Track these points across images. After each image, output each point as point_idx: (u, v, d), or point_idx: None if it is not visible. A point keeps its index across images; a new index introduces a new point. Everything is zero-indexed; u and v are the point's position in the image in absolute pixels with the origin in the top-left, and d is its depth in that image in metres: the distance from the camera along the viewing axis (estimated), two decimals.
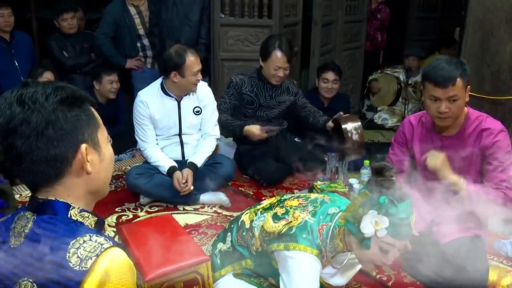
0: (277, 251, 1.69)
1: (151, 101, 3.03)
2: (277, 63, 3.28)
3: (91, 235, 0.96)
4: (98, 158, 1.05)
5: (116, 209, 3.02)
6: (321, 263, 1.68)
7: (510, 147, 2.21)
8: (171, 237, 1.95)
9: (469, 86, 2.21)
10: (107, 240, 0.96)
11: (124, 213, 3.00)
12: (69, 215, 1.01)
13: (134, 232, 2.00)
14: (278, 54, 3.27)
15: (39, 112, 0.96)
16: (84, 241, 0.95)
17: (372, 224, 1.52)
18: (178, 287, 1.76)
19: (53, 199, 1.01)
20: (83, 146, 1.01)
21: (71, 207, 1.02)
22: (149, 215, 2.92)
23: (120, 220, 2.89)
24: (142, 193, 3.11)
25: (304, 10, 4.51)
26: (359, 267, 2.01)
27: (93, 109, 1.06)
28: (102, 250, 0.93)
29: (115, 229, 2.71)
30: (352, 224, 1.56)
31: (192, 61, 2.93)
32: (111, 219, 2.89)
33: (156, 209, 3.07)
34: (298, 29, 4.46)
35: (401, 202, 1.52)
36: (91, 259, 0.92)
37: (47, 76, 3.62)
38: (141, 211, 3.04)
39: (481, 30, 3.00)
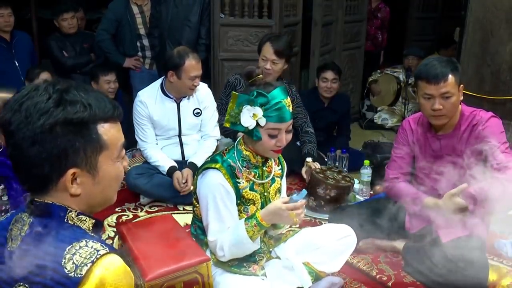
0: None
1: (150, 102, 3.03)
2: (265, 53, 3.23)
3: (88, 240, 0.95)
4: (91, 181, 1.00)
5: (116, 209, 3.02)
6: (233, 171, 1.84)
7: (502, 129, 2.22)
8: (171, 237, 1.95)
9: (462, 85, 2.22)
10: (103, 246, 0.95)
11: (124, 213, 3.00)
12: (66, 219, 1.00)
13: (134, 232, 2.00)
14: (267, 45, 3.23)
15: (28, 129, 0.93)
16: (80, 247, 0.93)
17: (250, 116, 1.74)
18: (178, 287, 1.76)
19: (50, 202, 0.99)
20: (70, 171, 0.97)
21: (68, 210, 1.00)
22: (149, 215, 2.92)
23: (120, 220, 2.89)
24: (142, 193, 3.11)
25: (304, 10, 4.51)
26: (350, 251, 2.10)
27: (102, 130, 0.98)
28: (97, 256, 0.92)
29: (115, 229, 2.71)
30: (235, 123, 1.78)
31: (192, 65, 2.91)
32: (111, 219, 2.89)
33: (156, 209, 3.07)
34: (298, 29, 4.46)
35: (271, 92, 1.74)
36: (86, 266, 0.91)
37: (44, 76, 3.54)
38: (141, 211, 3.04)
39: (481, 30, 3.00)
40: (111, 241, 2.62)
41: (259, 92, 1.75)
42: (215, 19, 4.02)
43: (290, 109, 1.79)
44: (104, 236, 2.68)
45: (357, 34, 5.06)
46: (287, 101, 1.78)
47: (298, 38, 4.47)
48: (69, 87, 0.98)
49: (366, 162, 3.28)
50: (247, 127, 1.75)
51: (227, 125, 1.82)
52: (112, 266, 0.93)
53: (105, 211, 2.94)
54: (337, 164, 3.43)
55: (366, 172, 3.22)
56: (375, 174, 3.21)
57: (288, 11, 4.29)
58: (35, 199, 1.01)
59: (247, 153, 1.87)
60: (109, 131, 1.00)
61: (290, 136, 1.84)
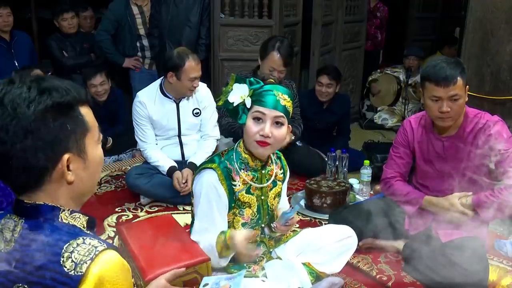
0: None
1: (149, 102, 3.03)
2: (273, 64, 3.22)
3: (84, 237, 0.95)
4: (82, 166, 1.00)
5: (116, 209, 3.01)
6: (229, 174, 1.82)
7: (509, 134, 2.20)
8: (171, 237, 1.94)
9: (468, 86, 2.22)
10: (101, 243, 0.95)
11: (124, 213, 3.00)
12: (60, 219, 0.99)
13: (134, 232, 1.99)
14: (275, 55, 3.20)
15: (19, 120, 0.91)
16: (77, 244, 0.93)
17: (238, 95, 1.75)
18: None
19: (42, 203, 0.98)
20: (65, 156, 0.96)
21: (61, 210, 0.99)
22: (149, 215, 2.91)
23: (120, 220, 2.89)
24: (142, 193, 3.11)
25: (304, 10, 4.51)
26: (351, 252, 2.10)
27: (83, 112, 1.00)
28: (96, 253, 0.92)
29: (115, 229, 2.71)
30: (226, 101, 1.78)
31: (192, 66, 2.91)
32: (111, 219, 2.89)
33: (156, 209, 3.06)
34: (298, 29, 4.46)
35: (269, 85, 1.77)
36: (86, 263, 0.91)
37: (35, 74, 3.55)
38: (141, 211, 3.03)
39: (481, 30, 2.99)
40: (111, 241, 2.62)
41: (257, 80, 1.77)
42: (215, 19, 4.03)
43: (282, 103, 1.75)
44: (104, 236, 2.68)
45: (357, 34, 5.06)
46: (282, 95, 1.76)
47: (298, 38, 4.47)
48: (41, 77, 0.99)
49: (366, 162, 3.28)
50: (233, 103, 1.76)
51: (220, 103, 1.82)
52: (110, 263, 0.93)
53: (105, 211, 2.94)
54: (337, 164, 3.43)
55: (366, 172, 3.22)
56: (375, 174, 3.22)
57: (288, 11, 4.30)
58: (25, 200, 0.99)
59: (246, 155, 1.85)
60: (88, 113, 1.02)
61: (279, 132, 1.77)
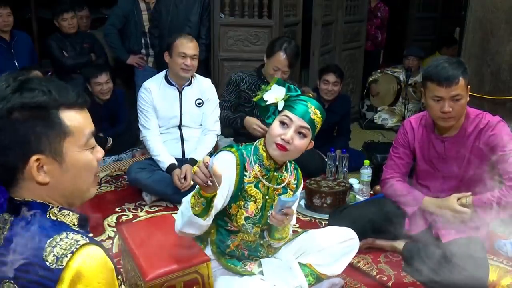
0: None
1: (154, 88, 3.10)
2: (278, 64, 3.25)
3: (68, 232, 0.95)
4: (58, 169, 0.99)
5: (116, 209, 3.01)
6: (244, 162, 1.83)
7: (510, 135, 2.19)
8: (171, 237, 1.94)
9: (469, 86, 2.21)
10: (83, 237, 0.94)
11: (124, 213, 3.00)
12: (48, 215, 0.99)
13: (134, 232, 1.99)
14: (281, 55, 3.23)
15: None
16: (60, 239, 0.93)
17: (273, 96, 1.80)
18: (178, 287, 1.76)
19: (30, 200, 0.99)
20: (34, 158, 0.95)
21: (50, 207, 1.00)
22: (149, 215, 2.92)
23: (120, 220, 2.89)
24: (143, 187, 3.11)
25: (304, 10, 4.51)
26: (352, 254, 2.10)
27: (64, 115, 0.98)
28: (77, 247, 0.92)
29: (115, 229, 2.71)
30: (261, 98, 1.82)
31: (182, 42, 2.99)
32: (111, 219, 2.89)
33: (156, 209, 3.06)
34: (298, 29, 4.46)
35: (307, 97, 1.81)
36: (67, 257, 0.91)
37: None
38: (141, 211, 3.03)
39: (481, 30, 3.00)
40: (111, 241, 2.63)
41: (296, 88, 1.83)
42: (215, 19, 4.03)
43: (312, 116, 1.79)
44: (104, 236, 2.68)
45: (357, 34, 5.06)
46: (314, 109, 1.80)
47: (298, 38, 4.47)
48: (31, 78, 0.98)
49: (366, 162, 3.28)
50: (266, 101, 1.80)
51: (256, 99, 1.86)
52: (90, 258, 0.93)
53: (105, 211, 2.94)
54: (337, 164, 3.44)
55: (366, 172, 3.22)
56: (375, 174, 3.22)
57: (288, 11, 4.30)
58: (15, 198, 1.00)
59: (263, 153, 1.86)
60: (74, 118, 1.00)
61: (300, 142, 1.79)
